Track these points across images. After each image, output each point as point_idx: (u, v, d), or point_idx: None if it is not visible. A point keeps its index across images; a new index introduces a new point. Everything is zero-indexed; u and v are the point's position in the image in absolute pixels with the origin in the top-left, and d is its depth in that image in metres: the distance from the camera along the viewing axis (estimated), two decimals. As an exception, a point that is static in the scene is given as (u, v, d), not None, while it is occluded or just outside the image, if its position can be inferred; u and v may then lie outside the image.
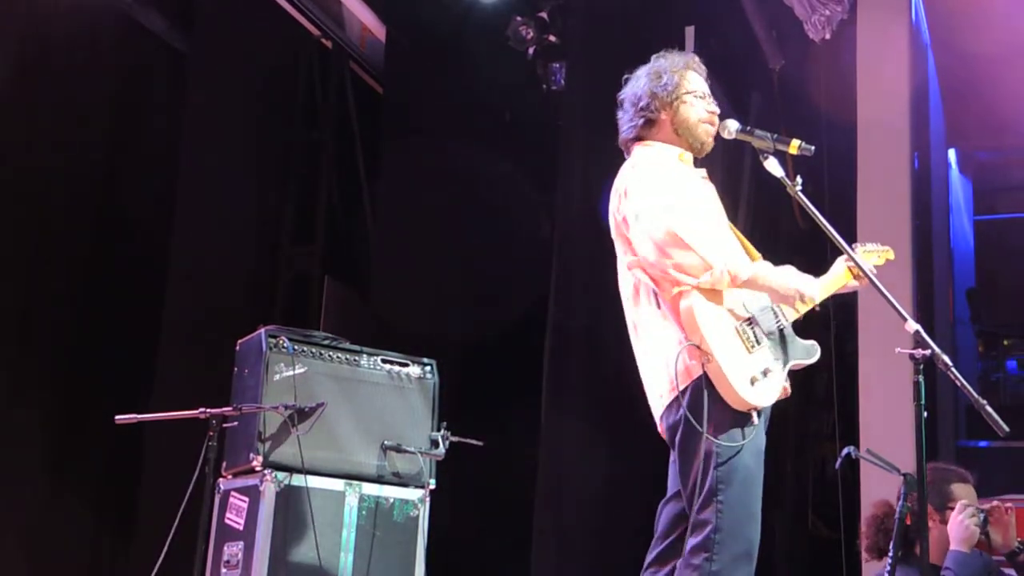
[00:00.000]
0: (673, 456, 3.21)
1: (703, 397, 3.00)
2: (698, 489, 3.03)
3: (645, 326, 3.21)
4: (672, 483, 3.26)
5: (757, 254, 3.36)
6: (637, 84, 3.38)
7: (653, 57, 3.43)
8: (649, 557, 3.20)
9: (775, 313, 3.25)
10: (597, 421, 5.64)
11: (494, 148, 6.41)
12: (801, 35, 5.89)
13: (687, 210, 3.13)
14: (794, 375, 3.27)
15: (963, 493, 4.07)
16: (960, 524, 3.92)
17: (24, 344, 5.73)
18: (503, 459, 5.59)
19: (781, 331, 3.21)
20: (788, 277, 3.18)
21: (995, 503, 4.00)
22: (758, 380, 3.06)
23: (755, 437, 3.06)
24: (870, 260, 3.55)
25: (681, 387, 3.08)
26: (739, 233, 3.38)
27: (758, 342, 3.12)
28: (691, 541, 3.02)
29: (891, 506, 4.17)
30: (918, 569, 3.94)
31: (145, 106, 6.40)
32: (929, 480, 4.09)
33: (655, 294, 3.16)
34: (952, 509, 4.06)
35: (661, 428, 3.23)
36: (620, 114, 3.42)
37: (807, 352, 3.26)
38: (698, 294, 3.05)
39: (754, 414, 3.05)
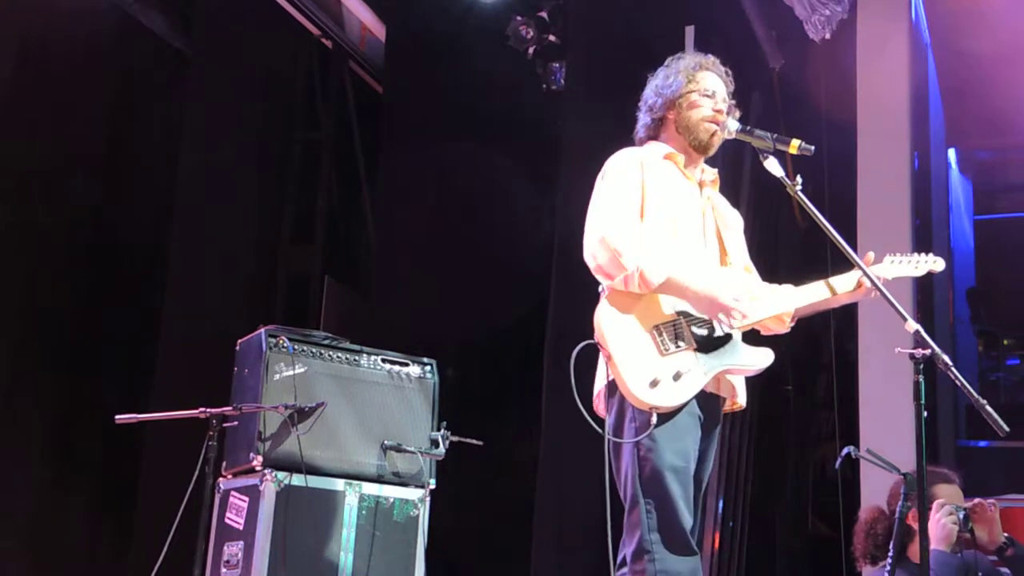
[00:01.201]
0: None
1: (613, 401, 3.12)
2: (625, 491, 3.10)
3: None
4: None
5: (732, 260, 3.34)
6: (652, 82, 3.46)
7: (670, 59, 3.48)
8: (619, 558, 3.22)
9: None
10: (597, 421, 5.63)
11: (494, 148, 6.41)
12: (801, 35, 5.89)
13: (627, 211, 3.16)
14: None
15: (946, 494, 4.07)
16: (937, 523, 3.93)
17: (24, 344, 5.73)
18: (503, 459, 5.59)
19: (712, 335, 3.16)
20: (704, 284, 3.10)
21: (977, 500, 4.00)
22: (661, 382, 3.05)
23: (675, 436, 3.07)
24: (906, 271, 3.47)
25: (600, 388, 3.19)
26: (723, 238, 3.35)
27: (677, 346, 3.09)
28: (628, 548, 3.06)
29: (881, 511, 4.19)
30: (908, 570, 3.96)
31: (145, 106, 6.40)
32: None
33: (601, 292, 3.22)
34: (936, 510, 4.07)
35: (597, 406, 3.31)
36: (638, 114, 3.49)
37: (755, 358, 3.20)
38: (610, 298, 3.11)
39: (653, 414, 3.04)
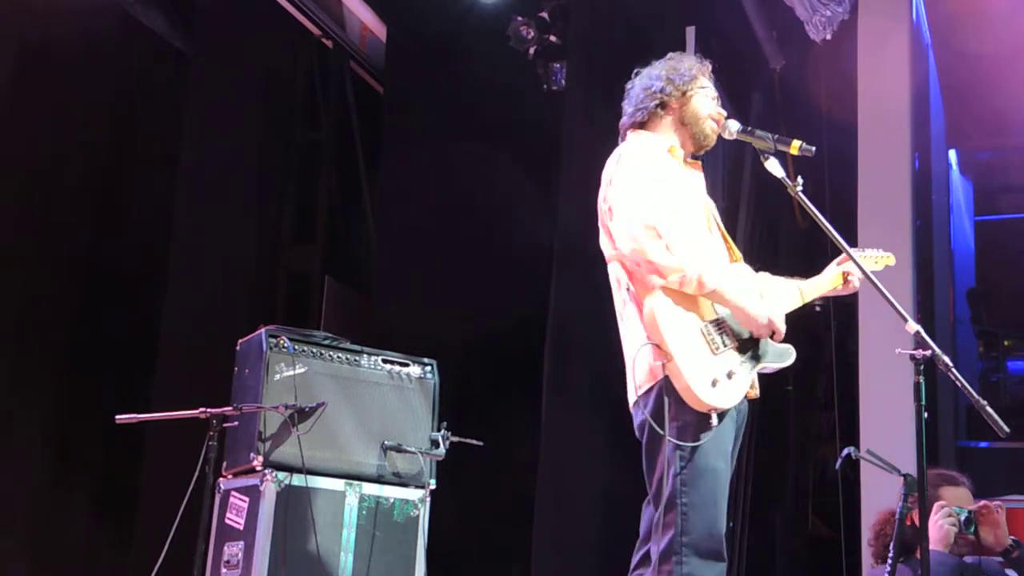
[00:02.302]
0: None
1: (664, 399, 3.01)
2: (662, 491, 3.03)
3: (621, 320, 3.23)
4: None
5: (738, 253, 3.35)
6: (651, 72, 3.39)
7: (670, 56, 3.44)
8: (635, 559, 3.20)
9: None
10: (597, 421, 5.64)
11: (494, 148, 6.41)
12: (802, 35, 5.89)
13: (670, 206, 3.12)
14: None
15: (950, 496, 4.08)
16: (935, 525, 3.94)
17: (24, 344, 5.73)
18: (503, 459, 5.59)
19: (752, 335, 3.19)
20: (748, 301, 3.14)
21: (983, 503, 4.00)
22: (720, 382, 3.05)
23: (718, 437, 3.06)
24: (867, 265, 3.53)
25: (645, 387, 3.09)
26: (723, 231, 3.37)
27: (724, 344, 3.11)
28: (658, 546, 3.01)
29: (892, 513, 4.18)
30: (911, 567, 3.97)
31: (145, 106, 6.40)
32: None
33: (628, 289, 3.16)
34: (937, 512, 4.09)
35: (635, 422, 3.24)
36: (626, 102, 3.41)
37: (780, 356, 3.24)
38: (664, 294, 3.06)
39: (713, 415, 3.04)
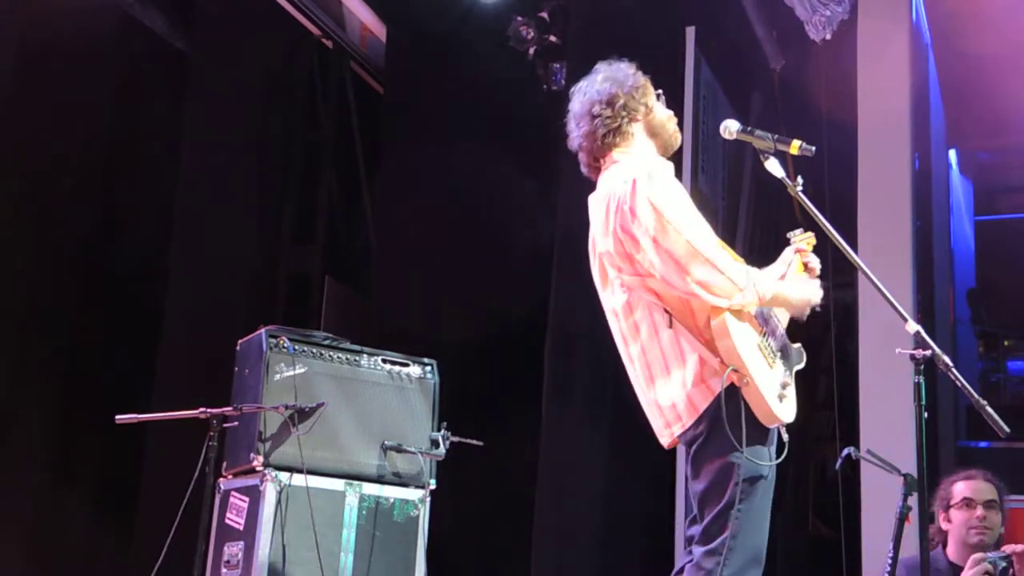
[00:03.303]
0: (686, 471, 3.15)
1: (734, 413, 2.95)
2: (715, 500, 3.00)
3: (650, 344, 3.11)
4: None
5: (738, 257, 3.35)
6: (601, 88, 3.26)
7: (593, 71, 3.35)
8: (677, 566, 3.18)
9: (778, 321, 3.26)
10: (597, 421, 5.64)
11: (494, 148, 6.41)
12: (802, 35, 5.89)
13: (700, 227, 3.07)
14: (796, 375, 3.27)
15: (964, 489, 4.11)
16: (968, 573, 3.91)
17: (24, 344, 5.73)
18: (503, 459, 5.59)
19: (784, 341, 3.23)
20: (799, 289, 3.22)
21: (1019, 548, 3.95)
22: (784, 396, 3.09)
23: (765, 447, 3.07)
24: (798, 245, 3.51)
25: (704, 406, 3.01)
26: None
27: (775, 356, 3.12)
28: (703, 547, 3.00)
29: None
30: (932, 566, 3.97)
31: (145, 106, 6.39)
32: (941, 486, 4.14)
33: (666, 312, 3.07)
34: (954, 507, 4.11)
35: (671, 443, 3.17)
36: (577, 125, 3.28)
37: (800, 357, 3.28)
38: (729, 315, 3.00)
39: (772, 433, 3.06)
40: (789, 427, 3.19)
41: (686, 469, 3.15)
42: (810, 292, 3.23)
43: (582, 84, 3.35)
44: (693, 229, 3.03)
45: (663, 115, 3.31)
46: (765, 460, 3.02)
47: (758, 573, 3.02)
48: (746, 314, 3.07)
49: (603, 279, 3.25)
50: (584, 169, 3.35)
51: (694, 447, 3.08)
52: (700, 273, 2.96)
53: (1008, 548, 3.93)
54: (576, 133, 3.31)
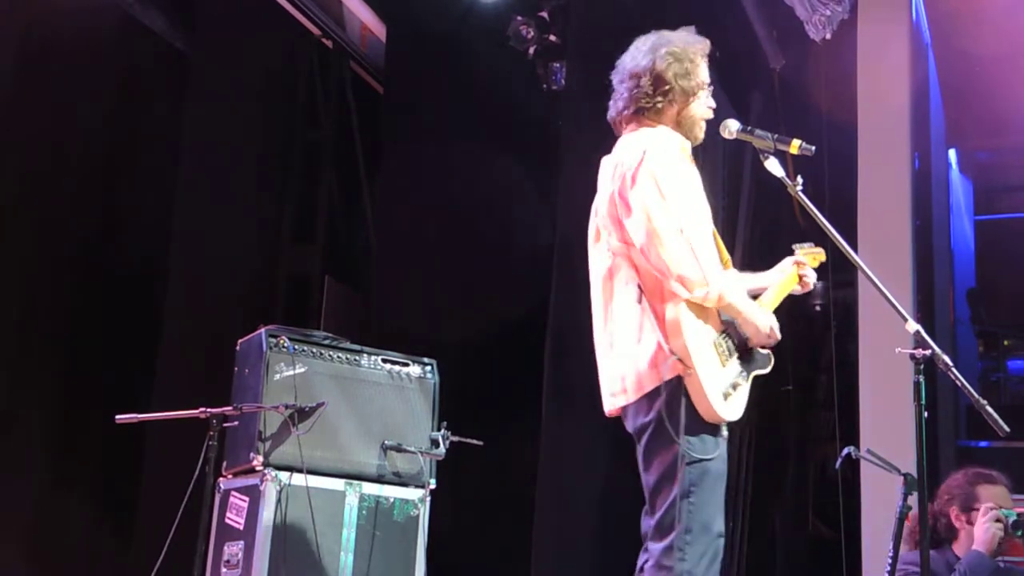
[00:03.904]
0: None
1: (678, 403, 2.99)
2: (665, 491, 3.02)
3: (619, 313, 3.16)
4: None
5: (727, 256, 3.34)
6: (659, 60, 3.24)
7: (662, 35, 3.32)
8: (639, 562, 3.19)
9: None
10: (597, 421, 5.63)
11: (494, 148, 6.41)
12: (802, 35, 5.89)
13: (694, 212, 3.10)
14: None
15: (988, 494, 4.09)
16: (981, 527, 3.96)
17: (24, 344, 5.73)
18: (503, 459, 5.59)
19: (746, 342, 3.20)
20: (756, 313, 3.16)
21: None
22: (730, 395, 3.07)
23: (718, 440, 3.07)
24: (806, 261, 3.52)
25: (649, 387, 3.05)
26: (715, 230, 3.35)
27: (730, 355, 3.12)
28: (659, 544, 3.01)
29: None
30: (944, 561, 3.98)
31: (145, 106, 6.39)
32: (957, 484, 4.13)
33: (639, 288, 3.11)
34: (977, 511, 4.10)
35: (625, 421, 3.20)
36: (620, 81, 3.29)
37: (766, 362, 3.25)
38: (686, 306, 3.03)
39: (723, 427, 3.06)
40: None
41: (639, 461, 3.16)
42: (765, 322, 3.16)
43: (650, 38, 3.32)
44: (683, 211, 3.05)
45: (697, 113, 3.29)
46: (713, 451, 3.03)
47: (717, 566, 3.03)
48: (710, 310, 3.08)
49: (596, 237, 3.29)
50: (609, 115, 3.36)
51: (644, 438, 3.11)
52: (674, 252, 2.99)
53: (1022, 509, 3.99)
54: (616, 86, 3.32)
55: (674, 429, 2.97)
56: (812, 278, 3.47)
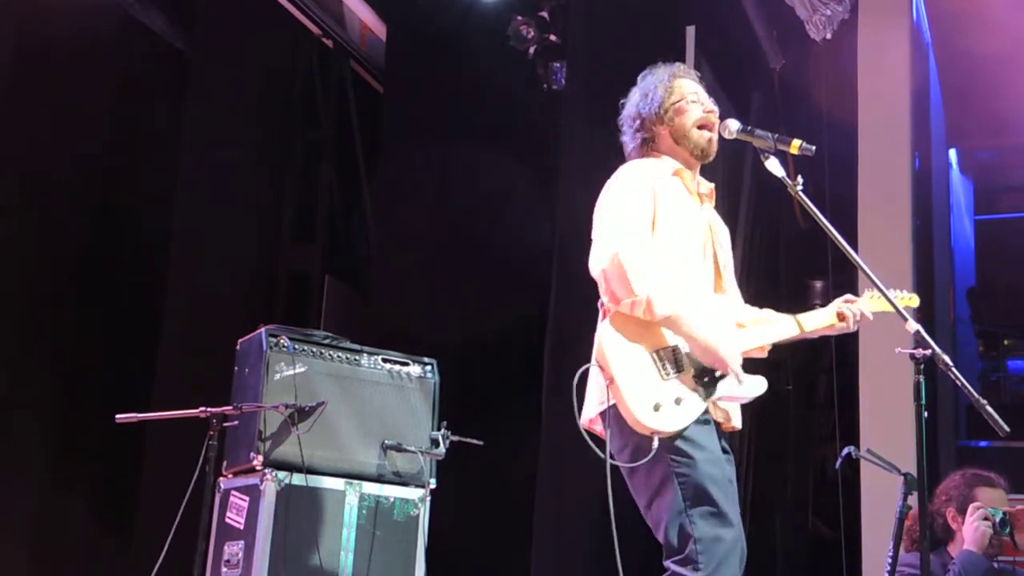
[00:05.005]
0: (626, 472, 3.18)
1: (610, 423, 3.06)
2: (664, 510, 3.04)
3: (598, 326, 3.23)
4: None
5: (728, 285, 3.32)
6: (630, 105, 3.42)
7: (640, 77, 3.44)
8: None
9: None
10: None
11: (494, 148, 6.41)
12: (802, 35, 5.89)
13: (645, 228, 3.12)
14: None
15: (986, 497, 4.09)
16: (970, 526, 3.97)
17: (24, 344, 5.73)
18: (503, 459, 5.58)
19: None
20: (706, 331, 3.08)
21: (1020, 507, 4.00)
22: (663, 406, 3.03)
23: (708, 446, 3.06)
24: (875, 306, 3.43)
25: (601, 409, 3.10)
26: (720, 261, 3.32)
27: (675, 371, 3.08)
28: (674, 561, 3.01)
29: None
30: (939, 562, 3.99)
31: (145, 106, 6.40)
32: (955, 485, 4.13)
33: (601, 305, 3.18)
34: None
35: (582, 424, 3.23)
36: (622, 136, 3.44)
37: (748, 388, 3.17)
38: (617, 318, 3.07)
39: (655, 439, 3.01)
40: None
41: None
42: (714, 343, 3.07)
43: (634, 89, 3.45)
44: (625, 229, 3.09)
45: (686, 123, 3.32)
46: (700, 459, 3.03)
47: (735, 567, 3.03)
48: (652, 326, 3.07)
49: None
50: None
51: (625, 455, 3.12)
52: (609, 268, 3.04)
53: (1012, 508, 3.99)
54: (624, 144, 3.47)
55: (615, 450, 3.05)
56: (851, 317, 3.37)
